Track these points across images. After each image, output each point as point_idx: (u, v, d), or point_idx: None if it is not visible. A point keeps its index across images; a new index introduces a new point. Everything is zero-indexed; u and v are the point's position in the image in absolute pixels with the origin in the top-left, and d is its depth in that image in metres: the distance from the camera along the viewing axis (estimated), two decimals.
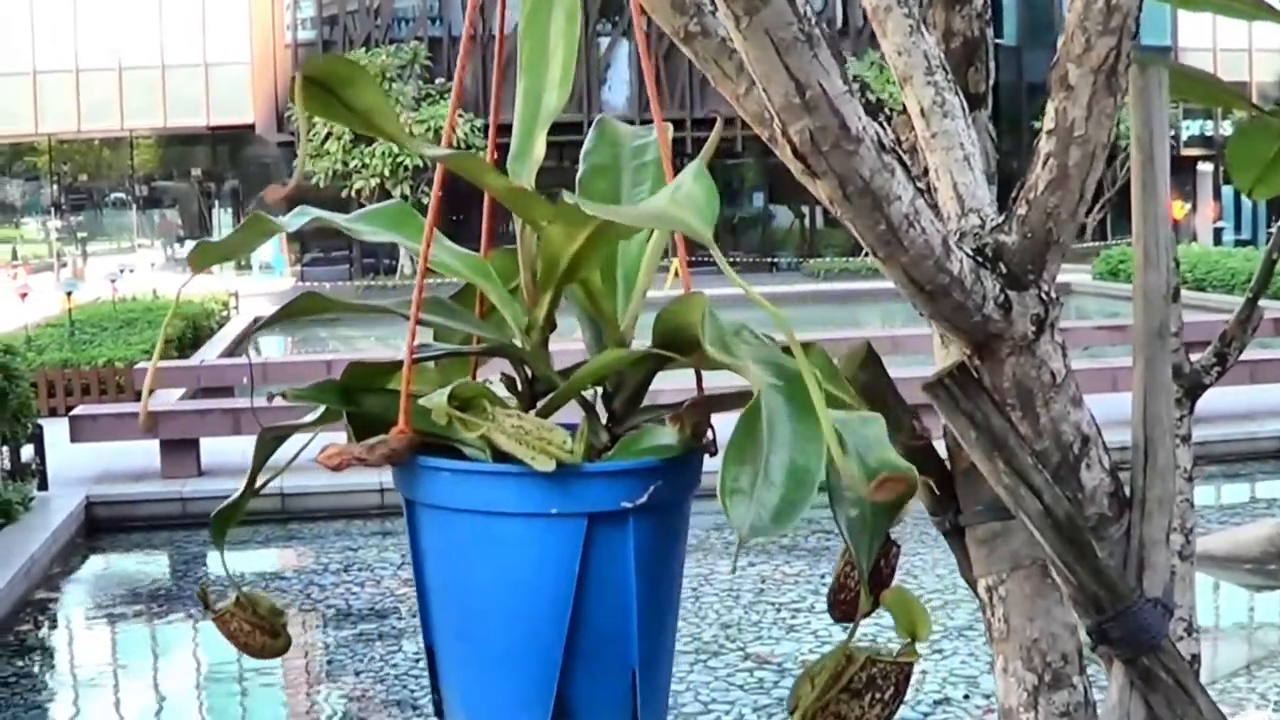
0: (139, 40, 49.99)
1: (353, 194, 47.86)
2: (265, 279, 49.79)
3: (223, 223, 53.94)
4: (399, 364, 2.14)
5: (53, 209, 56.33)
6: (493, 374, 2.30)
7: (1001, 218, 2.32)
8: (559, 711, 2.14)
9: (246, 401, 17.97)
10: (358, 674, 9.97)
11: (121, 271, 33.27)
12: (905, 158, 2.06)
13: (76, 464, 14.98)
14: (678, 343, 2.05)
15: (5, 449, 13.74)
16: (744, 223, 56.16)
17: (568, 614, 2.10)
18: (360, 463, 2.05)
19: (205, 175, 58.47)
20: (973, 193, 2.43)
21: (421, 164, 46.66)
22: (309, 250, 53.51)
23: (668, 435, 2.19)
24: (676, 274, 25.91)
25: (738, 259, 49.43)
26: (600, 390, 2.26)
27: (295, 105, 1.95)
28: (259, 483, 2.33)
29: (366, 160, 46.43)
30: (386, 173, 46.70)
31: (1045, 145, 2.23)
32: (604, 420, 2.25)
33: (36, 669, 10.27)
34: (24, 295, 26.11)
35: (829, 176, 1.97)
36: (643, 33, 2.33)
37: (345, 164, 46.95)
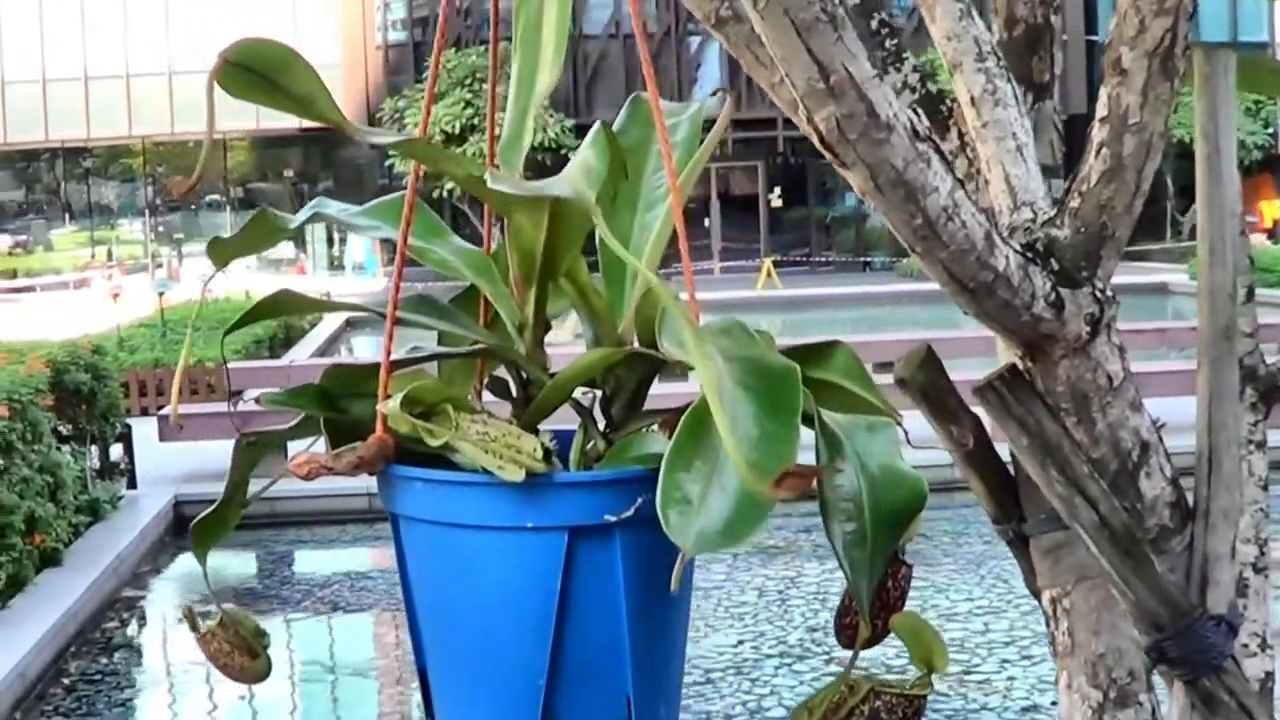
0: (225, 41, 50.32)
1: (444, 194, 47.96)
2: (358, 280, 50.01)
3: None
4: (390, 367, 2.03)
5: (147, 210, 56.76)
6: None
7: (1054, 211, 2.20)
8: None
9: None
10: None
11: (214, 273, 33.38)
12: (943, 147, 1.94)
13: (165, 463, 15.02)
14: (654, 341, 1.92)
15: (94, 448, 13.81)
16: (837, 222, 55.83)
17: (550, 635, 1.97)
18: (329, 471, 1.95)
19: (298, 176, 58.75)
20: (1025, 185, 2.31)
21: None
22: None
23: (659, 443, 2.03)
24: (769, 274, 25.59)
25: (831, 259, 49.25)
26: (599, 394, 2.13)
27: (214, 90, 1.85)
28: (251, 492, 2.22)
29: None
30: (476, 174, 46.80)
31: (1098, 134, 2.12)
32: (602, 426, 2.12)
33: (123, 666, 10.28)
34: (116, 295, 26.31)
35: (859, 166, 1.86)
36: (641, 30, 2.20)
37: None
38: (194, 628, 2.32)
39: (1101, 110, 2.13)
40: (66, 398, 12.68)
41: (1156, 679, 2.44)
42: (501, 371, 2.22)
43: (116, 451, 14.38)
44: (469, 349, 2.17)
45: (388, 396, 1.96)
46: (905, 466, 1.90)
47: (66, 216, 57.66)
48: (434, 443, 1.90)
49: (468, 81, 47.73)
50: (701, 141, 2.27)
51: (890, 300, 34.49)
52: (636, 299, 2.11)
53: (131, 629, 11.35)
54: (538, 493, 1.92)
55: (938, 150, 1.91)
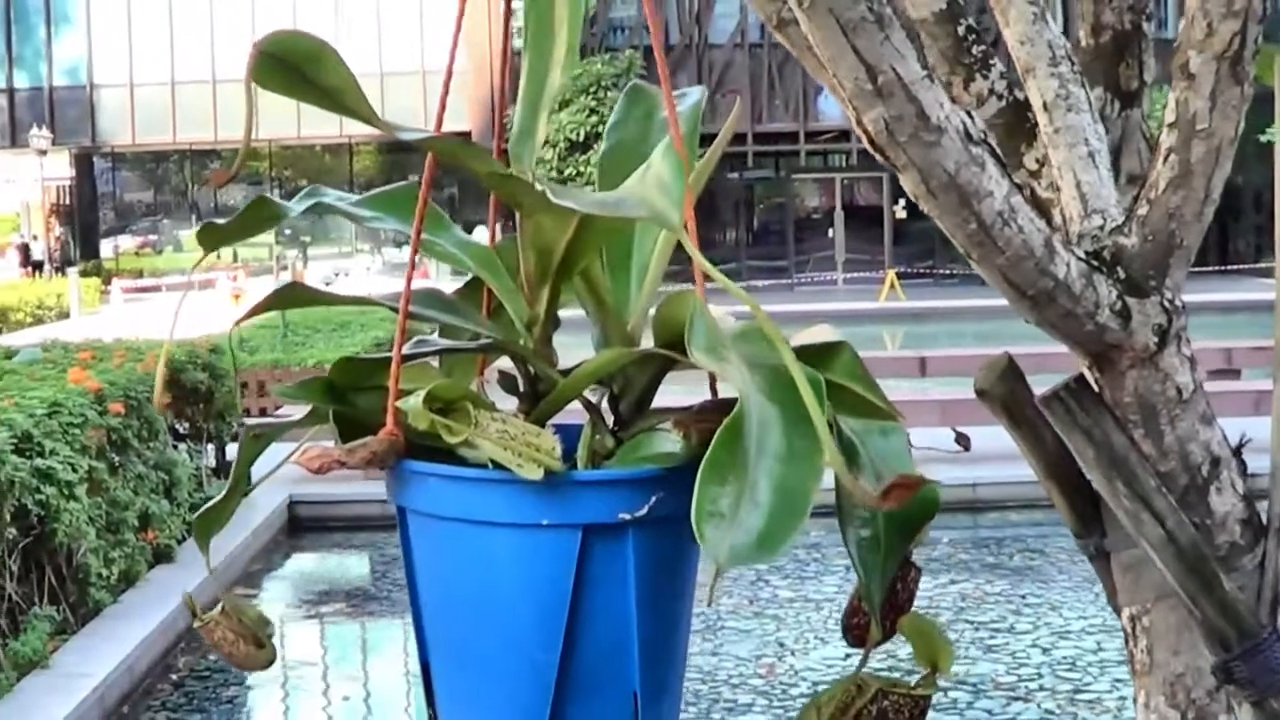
0: (358, 47, 50.70)
1: None
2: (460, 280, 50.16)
3: None
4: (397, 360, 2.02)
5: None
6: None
7: (1122, 219, 2.15)
8: None
9: None
10: None
11: (336, 275, 33.76)
12: (998, 150, 1.90)
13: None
14: (677, 343, 1.88)
15: (210, 447, 13.94)
16: None
17: (561, 632, 1.96)
18: (341, 466, 1.94)
19: (403, 178, 59.18)
20: (1097, 192, 2.26)
21: None
22: None
23: (671, 442, 2.03)
24: (893, 285, 25.45)
25: (955, 271, 48.90)
26: (608, 393, 2.11)
27: (252, 79, 1.84)
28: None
29: (581, 168, 46.63)
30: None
31: (1166, 139, 2.07)
32: (610, 424, 2.10)
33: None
34: (238, 296, 26.61)
35: (910, 169, 1.82)
36: (660, 45, 2.18)
37: (560, 171, 47.21)
38: (194, 614, 2.32)
39: (1169, 116, 2.09)
40: (184, 396, 12.81)
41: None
42: (507, 366, 2.20)
43: (233, 451, 14.51)
44: (476, 344, 2.16)
45: (401, 391, 1.95)
46: (914, 468, 1.88)
47: (194, 217, 58.38)
48: (453, 439, 1.88)
49: (592, 89, 47.85)
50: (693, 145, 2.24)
51: (1013, 313, 34.12)
52: (645, 298, 2.09)
53: None
54: (554, 491, 1.91)
55: (993, 154, 1.88)
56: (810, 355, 2.01)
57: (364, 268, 44.90)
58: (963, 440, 2.21)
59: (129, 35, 52.45)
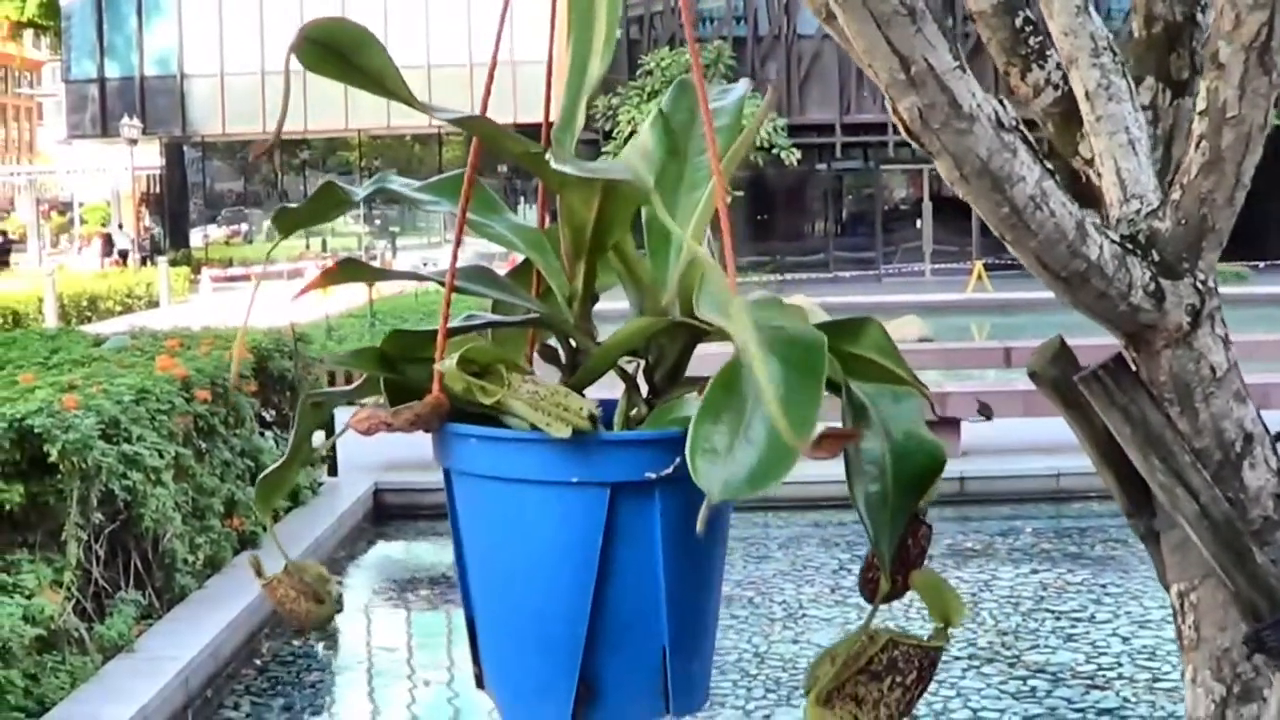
0: (447, 38, 50.96)
1: None
2: None
3: (528, 217, 54.65)
4: (450, 333, 2.14)
5: (362, 203, 57.63)
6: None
7: (1157, 203, 2.22)
8: (586, 688, 2.09)
9: None
10: None
11: (424, 264, 33.84)
12: (1030, 137, 1.97)
13: (367, 451, 15.22)
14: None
15: None
16: None
17: (591, 585, 2.05)
18: (387, 428, 2.04)
19: (512, 171, 59.42)
20: (1136, 178, 2.33)
21: None
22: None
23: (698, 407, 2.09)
24: (980, 276, 25.27)
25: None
26: (643, 363, 2.20)
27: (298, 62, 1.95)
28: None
29: None
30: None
31: (1198, 127, 2.14)
32: (645, 393, 2.19)
33: (315, 649, 10.48)
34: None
35: (944, 155, 1.90)
36: (693, 40, 2.25)
37: None
38: (259, 574, 2.41)
39: (1200, 104, 2.15)
40: (270, 384, 12.94)
41: None
42: (553, 342, 2.30)
43: (319, 438, 14.60)
44: (521, 318, 2.26)
45: (444, 359, 2.05)
46: (927, 433, 1.95)
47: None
48: (487, 400, 2.00)
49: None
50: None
51: None
52: (679, 272, 2.18)
53: None
54: (583, 450, 2.00)
55: (1025, 140, 1.95)
56: (843, 331, 2.10)
57: (476, 256, 44.96)
58: (985, 410, 2.29)
59: (219, 25, 52.82)
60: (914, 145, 1.94)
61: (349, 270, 2.22)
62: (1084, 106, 2.42)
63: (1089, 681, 9.26)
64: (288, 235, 2.20)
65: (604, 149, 48.55)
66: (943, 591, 2.05)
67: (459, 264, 2.25)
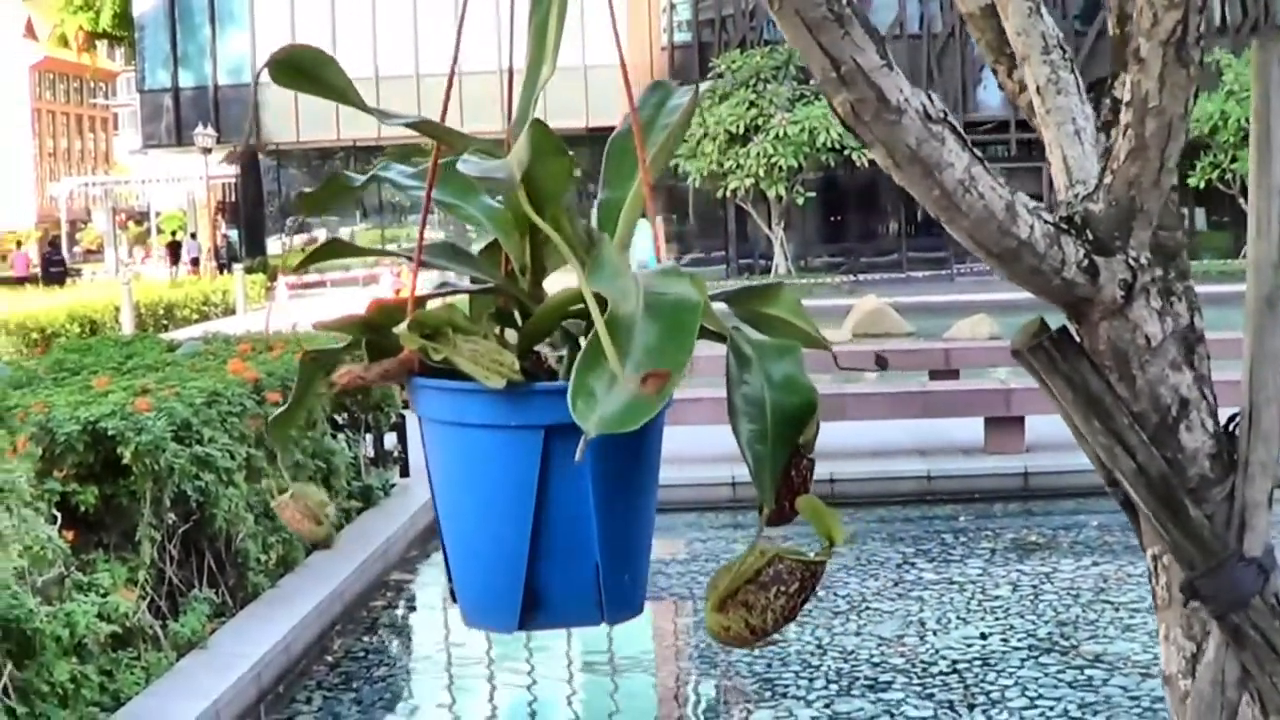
0: (521, 44, 51.12)
1: (728, 194, 48.23)
2: None
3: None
4: (419, 300, 2.49)
5: (437, 209, 57.88)
6: None
7: (1092, 188, 2.39)
8: (531, 600, 2.41)
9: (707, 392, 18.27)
10: (709, 662, 10.15)
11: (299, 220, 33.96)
12: (959, 127, 2.15)
13: None
14: None
15: (369, 437, 14.17)
16: None
17: (531, 511, 2.37)
18: (362, 381, 2.32)
19: (585, 176, 59.51)
20: (1081, 165, 2.51)
21: (796, 164, 46.82)
22: (689, 251, 54.16)
23: None
24: None
25: None
26: (585, 324, 2.48)
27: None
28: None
29: (741, 161, 46.76)
30: (761, 173, 46.98)
31: (1124, 116, 2.31)
32: None
33: (386, 645, 10.63)
34: (398, 291, 26.99)
35: (876, 145, 2.09)
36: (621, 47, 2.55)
37: (720, 164, 47.34)
38: (273, 495, 2.75)
39: (1125, 95, 2.32)
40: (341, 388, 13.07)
41: None
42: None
43: (390, 440, 14.77)
44: (481, 287, 2.53)
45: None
46: (803, 379, 2.24)
47: (359, 214, 59.25)
48: (436, 357, 2.36)
49: (751, 82, 47.93)
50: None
51: None
52: (617, 245, 2.45)
53: (398, 610, 11.62)
54: (520, 398, 2.34)
55: (954, 130, 2.13)
56: (757, 294, 2.38)
57: None
58: (881, 361, 2.51)
59: (292, 34, 53.12)
60: (852, 136, 2.12)
61: (332, 249, 2.53)
62: (1035, 100, 2.60)
63: (1144, 671, 9.34)
64: (310, 214, 2.54)
65: (675, 152, 48.46)
66: (823, 514, 2.34)
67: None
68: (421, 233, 2.57)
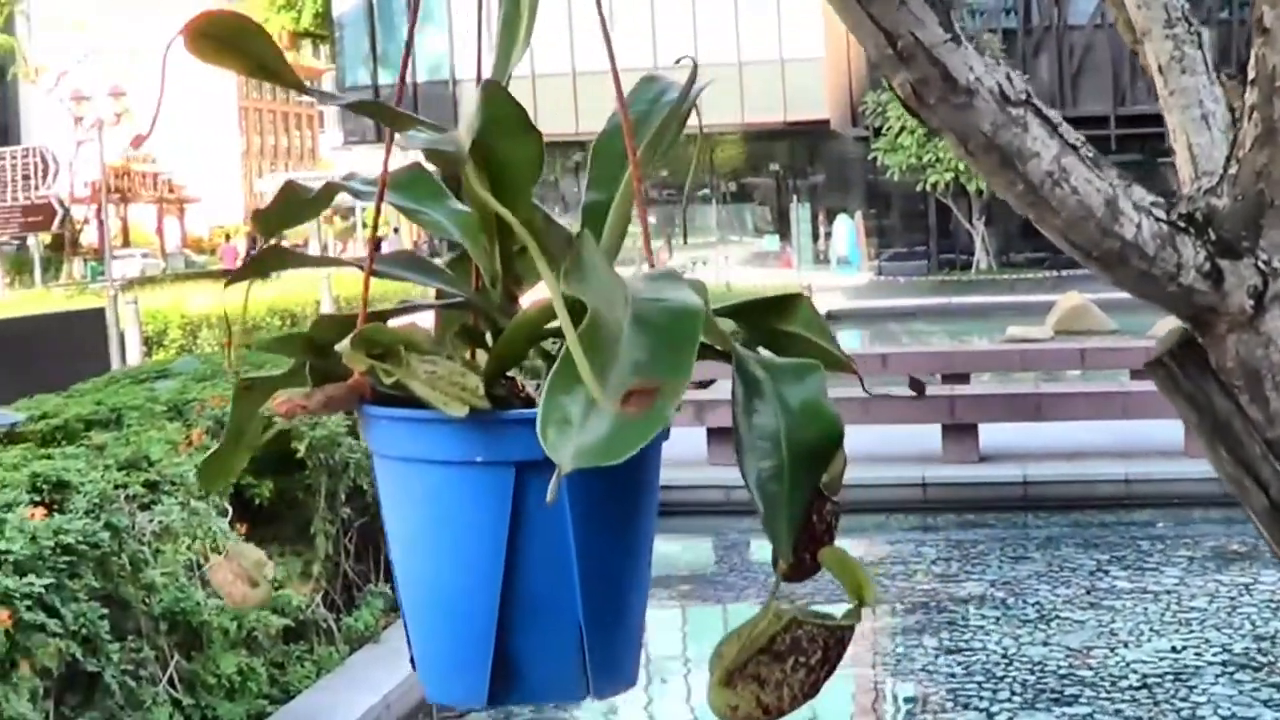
0: (716, 38, 51.20)
1: (927, 188, 47.81)
2: (843, 274, 50.29)
3: (801, 218, 54.77)
4: (373, 315, 2.12)
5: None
6: None
7: (1215, 179, 2.11)
8: (502, 667, 2.07)
9: (898, 389, 18.07)
10: (904, 667, 9.96)
11: (693, 264, 34.04)
12: (1047, 111, 1.89)
13: None
14: None
15: None
16: None
17: (502, 565, 2.02)
18: (304, 410, 2.01)
19: (785, 170, 59.51)
20: (1208, 154, 2.23)
21: None
22: (891, 246, 53.92)
23: None
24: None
25: None
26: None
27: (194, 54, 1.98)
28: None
29: (940, 154, 46.29)
30: (960, 167, 46.49)
31: (1249, 97, 2.02)
32: None
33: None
34: None
35: (946, 132, 1.84)
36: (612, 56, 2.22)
37: (919, 158, 46.97)
38: (205, 559, 2.44)
39: (1250, 72, 2.04)
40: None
41: None
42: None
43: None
44: (444, 302, 2.24)
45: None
46: (826, 406, 1.88)
47: (558, 208, 59.69)
48: (387, 380, 2.00)
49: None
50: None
51: None
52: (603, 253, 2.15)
53: None
54: (486, 429, 1.99)
55: (1039, 114, 1.87)
56: (771, 307, 2.08)
57: (723, 257, 45.34)
58: (916, 386, 2.22)
59: (490, 32, 53.78)
60: (917, 122, 1.87)
61: (273, 258, 2.21)
62: (1157, 81, 2.33)
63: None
64: (268, 235, 2.20)
65: (874, 145, 48.29)
66: (852, 568, 1.95)
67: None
68: (373, 238, 2.27)
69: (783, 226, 57.67)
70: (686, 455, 15.24)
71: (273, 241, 2.07)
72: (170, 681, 7.23)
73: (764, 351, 2.05)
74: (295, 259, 2.20)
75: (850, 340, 32.31)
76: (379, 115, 2.06)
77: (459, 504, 2.01)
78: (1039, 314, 28.86)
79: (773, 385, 1.93)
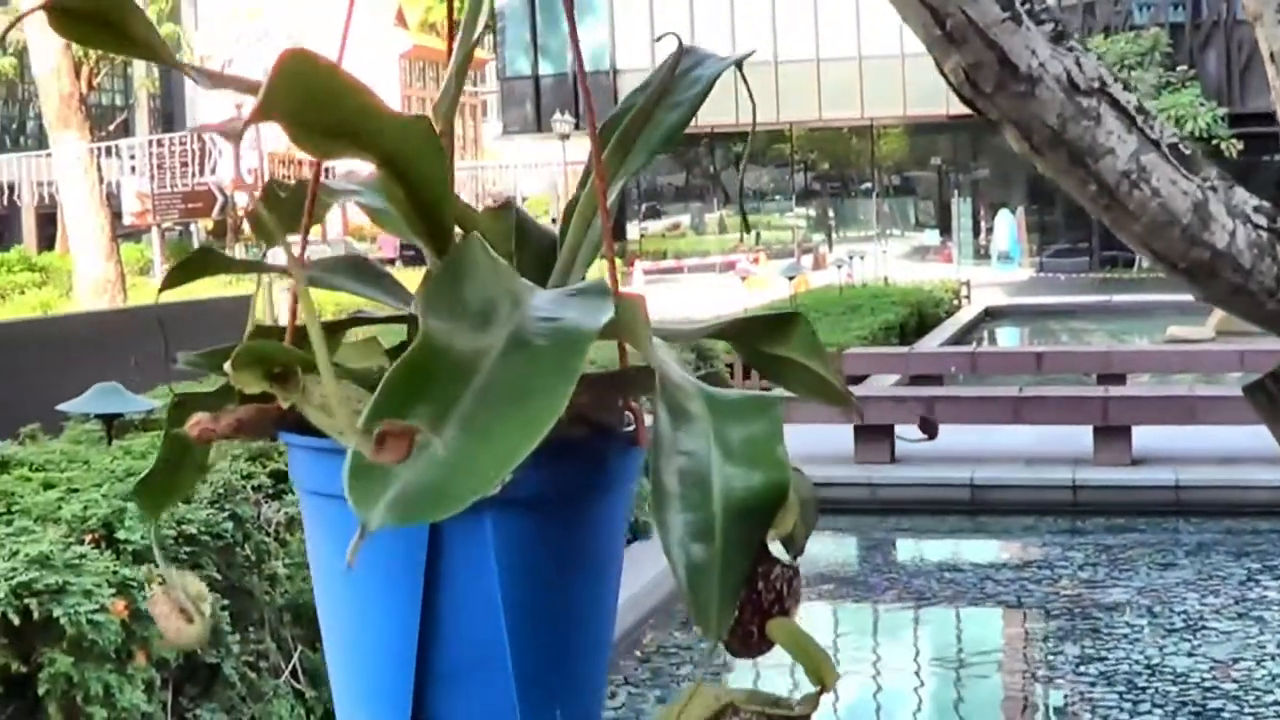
0: (879, 30, 50.69)
1: None
2: (1003, 270, 49.70)
3: (962, 212, 54.22)
4: (327, 328, 1.79)
5: (794, 196, 58.20)
6: None
7: None
8: None
9: (944, 390, 17.85)
10: (1044, 674, 9.76)
11: (850, 258, 33.71)
12: (1124, 101, 1.67)
13: None
14: None
15: None
16: None
17: (417, 622, 1.77)
18: (211, 434, 1.79)
19: (947, 164, 58.89)
20: None
21: None
22: (1052, 243, 53.28)
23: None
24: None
25: None
26: None
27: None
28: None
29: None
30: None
31: None
32: None
33: (698, 641, 10.38)
34: (745, 278, 26.93)
35: (1006, 124, 1.63)
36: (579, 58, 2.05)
37: None
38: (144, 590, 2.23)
39: None
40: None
41: None
42: None
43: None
44: (385, 315, 2.01)
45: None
46: (774, 450, 1.58)
47: (717, 201, 59.68)
48: (285, 404, 1.72)
49: (1115, 68, 46.74)
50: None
51: None
52: (562, 267, 1.94)
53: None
54: None
55: (1115, 105, 1.65)
56: (764, 328, 1.82)
57: (880, 251, 44.90)
58: (927, 428, 1.97)
59: (650, 22, 53.90)
60: (971, 112, 1.67)
61: (205, 263, 1.98)
62: (1269, 69, 2.11)
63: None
64: (173, 286, 1.97)
65: None
66: (807, 647, 1.62)
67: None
68: (304, 241, 2.00)
69: (944, 221, 57.14)
70: (833, 451, 15.01)
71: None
72: (293, 673, 7.17)
73: (695, 380, 1.77)
74: (224, 262, 1.99)
75: (1007, 337, 31.90)
76: (232, 85, 1.86)
77: (370, 547, 1.56)
78: (1201, 314, 28.30)
79: (709, 419, 1.65)
